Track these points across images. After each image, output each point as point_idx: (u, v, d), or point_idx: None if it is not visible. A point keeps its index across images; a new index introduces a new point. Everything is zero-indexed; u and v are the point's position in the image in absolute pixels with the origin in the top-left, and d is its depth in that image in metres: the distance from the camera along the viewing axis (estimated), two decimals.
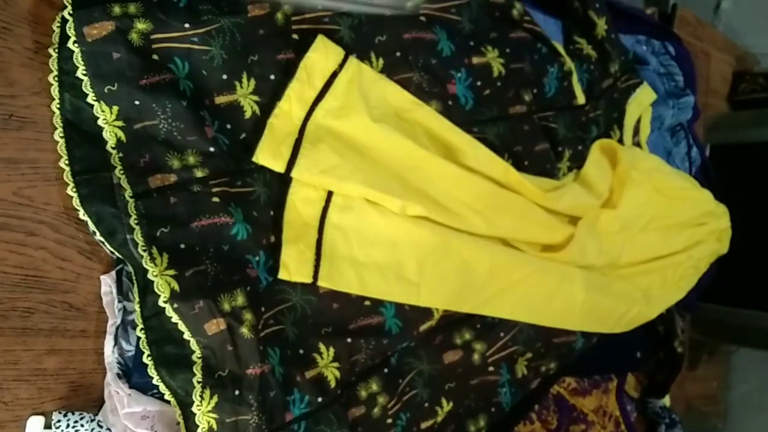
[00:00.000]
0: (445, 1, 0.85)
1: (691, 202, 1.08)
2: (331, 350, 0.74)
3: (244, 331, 0.65)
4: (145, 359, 0.64)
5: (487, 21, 0.88)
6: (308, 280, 0.73)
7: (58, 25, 0.64)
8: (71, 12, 0.62)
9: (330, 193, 0.75)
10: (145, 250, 0.63)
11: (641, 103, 1.06)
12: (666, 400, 1.18)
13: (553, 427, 0.96)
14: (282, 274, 0.71)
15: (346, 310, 0.76)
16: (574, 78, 0.97)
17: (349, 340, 0.75)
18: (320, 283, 0.73)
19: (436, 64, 0.83)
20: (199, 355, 0.64)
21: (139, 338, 0.65)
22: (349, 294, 0.76)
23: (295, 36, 0.74)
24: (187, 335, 0.64)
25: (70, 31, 0.62)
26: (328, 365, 0.73)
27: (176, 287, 0.63)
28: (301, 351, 0.72)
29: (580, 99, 0.97)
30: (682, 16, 1.35)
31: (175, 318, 0.63)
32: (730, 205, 1.12)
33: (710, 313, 1.34)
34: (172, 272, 0.63)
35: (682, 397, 1.37)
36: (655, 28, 1.16)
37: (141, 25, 0.65)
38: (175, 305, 0.63)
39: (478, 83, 0.87)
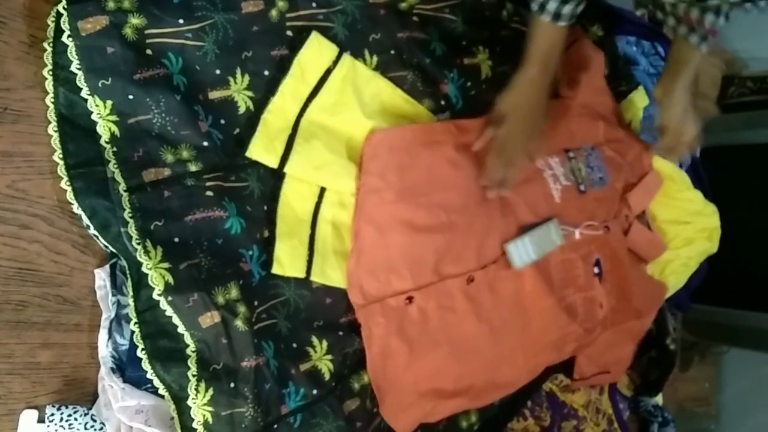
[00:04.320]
0: (440, 1, 0.86)
1: (681, 201, 1.08)
2: (324, 343, 0.74)
3: (239, 323, 0.65)
4: (139, 353, 0.64)
5: (479, 20, 0.89)
6: (301, 275, 0.73)
7: (53, 19, 0.64)
8: (65, 6, 0.63)
9: (323, 189, 0.75)
10: (139, 243, 0.63)
11: (633, 104, 1.07)
12: (659, 399, 1.18)
13: (546, 424, 0.97)
14: (276, 269, 0.71)
15: (338, 305, 0.76)
16: None
17: (340, 333, 0.75)
18: (313, 278, 0.74)
19: (429, 63, 0.83)
20: (193, 349, 0.64)
21: (133, 332, 0.65)
22: (342, 289, 0.76)
23: (289, 32, 0.75)
24: (181, 329, 0.64)
25: (65, 25, 0.63)
26: (321, 358, 0.74)
27: (170, 280, 0.63)
28: (295, 344, 0.72)
29: None
30: None
31: (169, 311, 0.63)
32: (721, 206, 1.13)
33: (701, 314, 1.35)
34: (166, 265, 0.63)
35: (674, 399, 1.37)
36: (645, 29, 1.17)
37: (135, 20, 0.65)
38: (170, 298, 0.63)
39: (468, 84, 0.87)
